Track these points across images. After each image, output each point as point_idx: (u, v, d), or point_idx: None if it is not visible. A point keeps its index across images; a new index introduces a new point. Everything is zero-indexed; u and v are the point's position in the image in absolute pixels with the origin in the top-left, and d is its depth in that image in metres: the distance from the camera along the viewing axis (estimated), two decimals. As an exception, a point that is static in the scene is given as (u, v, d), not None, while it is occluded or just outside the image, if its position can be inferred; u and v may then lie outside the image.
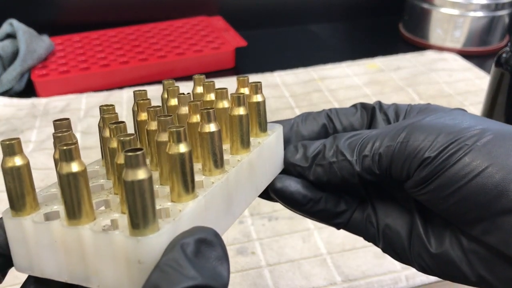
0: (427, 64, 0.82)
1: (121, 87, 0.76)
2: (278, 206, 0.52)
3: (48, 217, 0.22)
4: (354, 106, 0.31)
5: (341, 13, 1.03)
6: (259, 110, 0.27)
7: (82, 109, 0.70)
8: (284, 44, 0.93)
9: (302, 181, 0.28)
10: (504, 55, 0.55)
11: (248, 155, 0.26)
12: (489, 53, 0.87)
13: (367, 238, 0.30)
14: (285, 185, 0.28)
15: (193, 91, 0.29)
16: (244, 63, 0.84)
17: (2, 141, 0.20)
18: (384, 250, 0.29)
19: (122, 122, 0.23)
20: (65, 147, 0.19)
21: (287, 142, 0.30)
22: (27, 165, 0.21)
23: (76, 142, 0.21)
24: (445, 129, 0.25)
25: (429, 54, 0.86)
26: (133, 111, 0.27)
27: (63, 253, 0.21)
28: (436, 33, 0.88)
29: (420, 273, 0.43)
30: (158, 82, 0.78)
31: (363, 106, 0.30)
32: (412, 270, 0.43)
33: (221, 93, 0.26)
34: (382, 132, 0.26)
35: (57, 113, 0.69)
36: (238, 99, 0.25)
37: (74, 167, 0.20)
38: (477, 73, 0.79)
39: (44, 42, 0.78)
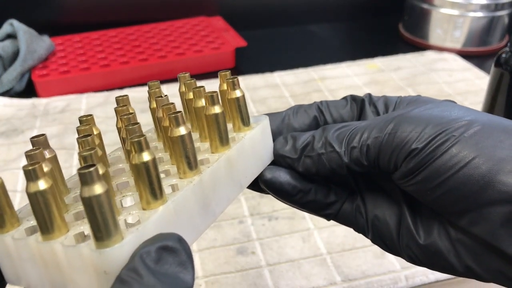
0: (427, 64, 0.82)
1: (121, 87, 0.76)
2: (278, 206, 0.52)
3: (28, 232, 0.22)
4: (345, 98, 0.31)
5: (341, 13, 1.03)
6: (239, 105, 0.27)
7: (83, 109, 0.71)
8: (284, 44, 0.93)
9: (291, 172, 0.29)
10: (503, 55, 0.55)
11: (225, 153, 0.26)
12: (489, 53, 0.87)
13: (357, 229, 0.30)
14: (274, 176, 0.28)
15: (179, 89, 0.29)
16: (244, 63, 0.84)
17: None
18: (373, 241, 0.29)
19: (90, 135, 0.23)
20: (30, 167, 0.20)
21: (278, 134, 0.30)
22: (1, 186, 0.21)
23: (51, 158, 0.21)
24: (433, 120, 0.25)
25: (429, 54, 0.86)
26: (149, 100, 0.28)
27: (42, 266, 0.21)
28: (436, 33, 0.88)
29: (420, 273, 0.43)
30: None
31: (353, 98, 0.30)
32: (412, 270, 0.44)
33: (198, 92, 0.26)
34: (371, 123, 0.26)
35: (58, 113, 0.69)
36: (212, 98, 0.25)
37: (41, 185, 0.20)
38: (477, 73, 0.79)
39: (44, 42, 0.78)
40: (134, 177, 0.22)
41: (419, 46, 0.90)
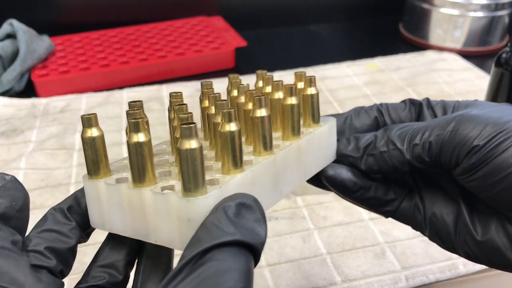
0: (427, 64, 0.82)
1: (121, 87, 0.76)
2: (278, 206, 0.52)
3: (119, 181, 0.25)
4: (404, 101, 0.32)
5: (341, 13, 1.03)
6: (312, 102, 0.30)
7: (83, 109, 0.71)
8: (284, 44, 0.93)
9: (353, 170, 0.30)
10: (504, 55, 0.55)
11: (297, 141, 0.28)
12: (489, 53, 0.87)
13: (414, 226, 0.31)
14: (337, 172, 0.30)
15: (255, 85, 0.31)
16: (244, 63, 0.84)
17: (83, 115, 0.24)
18: (430, 238, 0.30)
19: (185, 104, 0.26)
20: (133, 120, 0.23)
21: (341, 134, 0.32)
22: (101, 137, 0.24)
23: (146, 119, 0.24)
24: (492, 120, 0.26)
25: (429, 54, 0.86)
26: (200, 99, 0.29)
27: (128, 211, 0.24)
28: (436, 33, 0.88)
29: (420, 273, 0.43)
30: (158, 82, 0.78)
31: (412, 101, 0.32)
32: (412, 270, 0.43)
33: (277, 85, 0.29)
34: (432, 123, 0.28)
35: (57, 113, 0.69)
36: (291, 90, 0.28)
37: (141, 137, 0.23)
38: (477, 73, 0.79)
39: (44, 42, 0.78)
40: (220, 145, 0.24)
41: (419, 46, 0.90)
